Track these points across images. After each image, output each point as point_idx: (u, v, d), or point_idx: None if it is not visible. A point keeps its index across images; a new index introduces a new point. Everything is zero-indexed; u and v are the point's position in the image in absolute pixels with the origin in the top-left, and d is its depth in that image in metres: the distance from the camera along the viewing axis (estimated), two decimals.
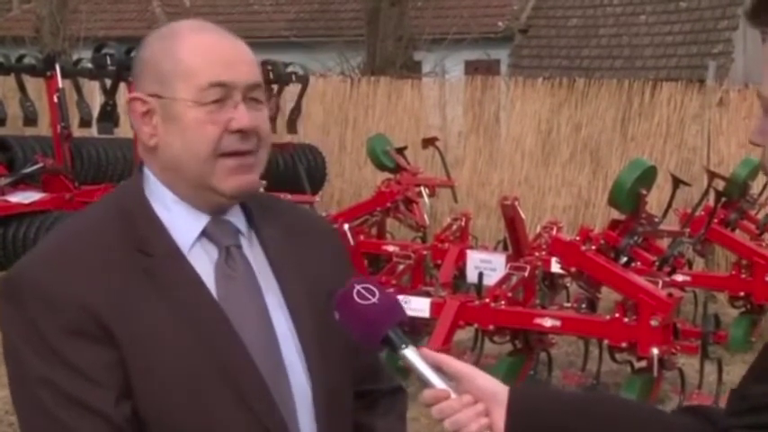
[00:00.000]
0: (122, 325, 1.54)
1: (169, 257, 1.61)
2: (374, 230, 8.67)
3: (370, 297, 1.54)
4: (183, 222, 1.65)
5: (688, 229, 7.16)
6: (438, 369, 1.54)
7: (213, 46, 1.63)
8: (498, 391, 1.55)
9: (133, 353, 1.55)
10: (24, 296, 1.56)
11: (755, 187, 8.35)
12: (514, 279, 6.16)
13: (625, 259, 6.09)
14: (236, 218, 1.70)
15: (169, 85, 1.62)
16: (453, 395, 1.53)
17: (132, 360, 1.55)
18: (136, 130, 1.67)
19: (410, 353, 1.53)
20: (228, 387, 1.58)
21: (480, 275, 6.35)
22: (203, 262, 1.64)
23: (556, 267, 6.57)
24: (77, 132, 9.78)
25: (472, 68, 17.30)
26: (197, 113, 1.60)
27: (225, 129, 1.61)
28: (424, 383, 1.54)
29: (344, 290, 1.56)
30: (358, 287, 1.55)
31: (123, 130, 9.88)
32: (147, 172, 1.68)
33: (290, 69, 10.72)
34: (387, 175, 9.08)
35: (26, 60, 9.62)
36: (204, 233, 1.66)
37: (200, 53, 1.62)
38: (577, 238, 6.16)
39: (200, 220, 1.66)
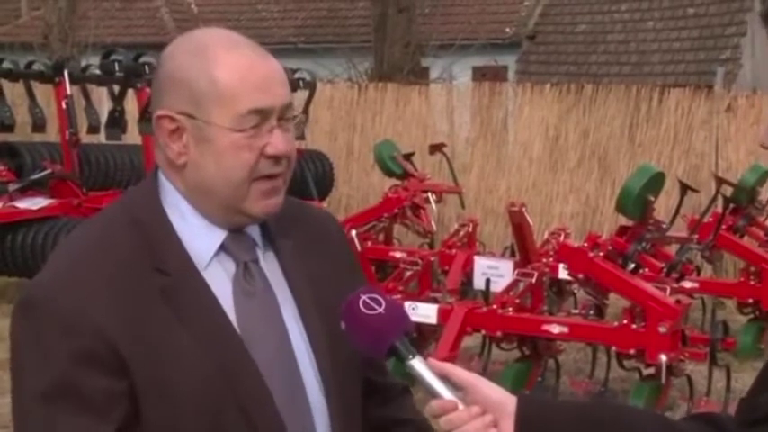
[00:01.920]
0: (137, 350, 1.53)
1: (185, 277, 1.59)
2: (381, 236, 8.67)
3: (376, 307, 1.53)
4: (200, 235, 1.63)
5: (696, 236, 7.14)
6: (445, 379, 1.53)
7: (250, 68, 1.59)
8: (506, 401, 1.54)
9: (147, 379, 1.53)
10: (42, 320, 1.54)
11: (764, 193, 8.33)
12: (522, 285, 6.15)
13: (633, 266, 6.08)
14: (253, 230, 1.68)
15: (204, 107, 1.57)
16: (461, 406, 1.52)
17: (146, 386, 1.53)
18: (162, 147, 1.62)
19: (417, 363, 1.53)
20: (243, 416, 1.57)
21: (488, 282, 6.35)
22: (221, 278, 1.62)
23: (563, 274, 6.56)
24: (85, 138, 9.80)
25: (480, 74, 17.30)
26: (234, 139, 1.57)
27: (261, 154, 1.59)
28: (431, 394, 1.53)
29: (350, 299, 1.55)
30: (364, 297, 1.54)
31: (131, 137, 9.90)
32: (164, 181, 1.65)
33: (297, 75, 10.73)
34: (394, 181, 9.08)
35: (35, 67, 9.65)
36: (222, 247, 1.64)
37: (237, 76, 1.57)
38: (585, 245, 6.15)
39: (219, 234, 1.64)
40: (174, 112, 1.59)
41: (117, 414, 1.52)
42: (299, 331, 1.66)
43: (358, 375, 1.72)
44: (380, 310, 1.53)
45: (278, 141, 1.60)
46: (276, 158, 1.61)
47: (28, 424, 1.56)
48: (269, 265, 1.68)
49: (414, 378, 1.54)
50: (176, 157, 1.61)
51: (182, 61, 1.60)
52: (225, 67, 1.58)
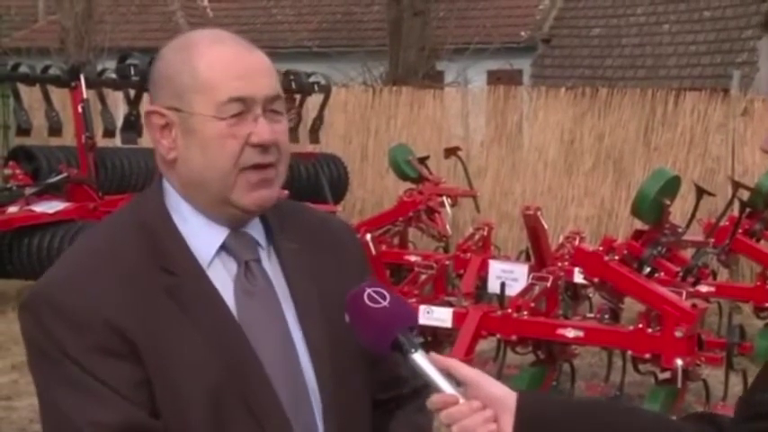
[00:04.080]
0: (147, 343, 1.55)
1: (191, 276, 1.60)
2: (396, 240, 8.67)
3: (381, 300, 1.54)
4: (202, 236, 1.64)
5: (712, 240, 7.11)
6: (447, 374, 1.54)
7: (232, 59, 1.62)
8: (506, 396, 1.54)
9: (156, 371, 1.55)
10: (50, 320, 1.56)
11: None
12: (537, 289, 6.13)
13: (648, 270, 6.05)
14: (255, 230, 1.69)
15: (188, 98, 1.61)
16: (462, 400, 1.52)
17: (155, 378, 1.55)
18: (154, 144, 1.66)
19: (419, 357, 1.53)
20: (247, 412, 1.58)
21: (502, 285, 6.33)
22: (223, 277, 1.64)
23: (579, 278, 6.53)
24: (101, 142, 9.84)
25: (495, 78, 17.29)
26: (217, 128, 1.59)
27: (245, 142, 1.60)
28: (433, 388, 1.54)
29: (355, 292, 1.55)
30: (369, 290, 1.55)
31: (147, 140, 9.92)
32: (166, 184, 1.68)
33: (312, 79, 10.77)
34: (409, 184, 9.09)
35: (51, 71, 9.69)
36: (224, 247, 1.65)
37: (218, 67, 1.60)
38: (600, 249, 6.13)
39: (220, 233, 1.66)
40: (162, 107, 1.63)
41: (145, 400, 1.54)
42: (298, 330, 1.67)
43: (362, 375, 1.72)
44: (385, 303, 1.54)
45: (262, 130, 1.60)
46: (263, 147, 1.61)
47: (58, 422, 1.56)
48: (272, 264, 1.69)
49: (416, 372, 1.54)
50: (167, 153, 1.64)
51: (169, 59, 1.65)
52: (206, 59, 1.61)
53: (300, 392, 1.64)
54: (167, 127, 1.63)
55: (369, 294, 1.54)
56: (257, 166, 1.61)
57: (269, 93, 1.63)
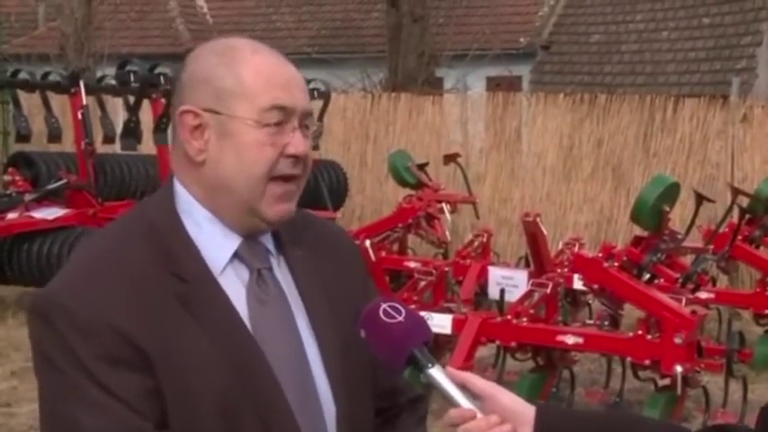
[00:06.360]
0: (157, 351, 1.54)
1: (203, 283, 1.60)
2: (396, 247, 8.67)
3: (396, 315, 1.54)
4: (215, 242, 1.64)
5: (712, 246, 7.11)
6: (463, 388, 1.53)
7: (275, 69, 1.64)
8: (524, 411, 1.54)
9: (167, 379, 1.54)
10: (63, 326, 1.55)
11: None
12: (536, 296, 6.13)
13: (648, 276, 6.05)
14: (266, 238, 1.70)
15: (229, 102, 1.61)
16: (479, 415, 1.52)
17: (166, 387, 1.54)
18: (182, 144, 1.64)
19: (436, 372, 1.53)
20: (257, 419, 1.58)
21: (502, 292, 6.33)
22: (235, 284, 1.64)
23: (578, 284, 6.53)
24: (101, 149, 9.85)
25: (494, 84, 17.29)
26: (258, 134, 1.61)
27: (281, 152, 1.62)
28: (450, 403, 1.53)
29: (370, 307, 1.55)
30: (384, 305, 1.55)
31: (146, 147, 9.94)
32: (179, 187, 1.66)
33: (311, 85, 10.76)
34: (408, 191, 9.09)
35: (51, 77, 9.71)
36: (236, 254, 1.65)
37: (263, 75, 1.62)
38: (600, 255, 6.13)
39: (233, 241, 1.66)
40: (197, 108, 1.62)
41: (152, 412, 1.53)
42: (312, 338, 1.67)
43: (369, 382, 1.73)
44: (400, 318, 1.54)
45: (299, 142, 1.63)
46: (296, 159, 1.63)
47: (58, 427, 1.55)
48: (283, 273, 1.70)
49: (432, 387, 1.54)
50: (196, 154, 1.63)
51: (208, 61, 1.65)
52: (250, 67, 1.62)
53: (311, 400, 1.64)
54: (200, 128, 1.63)
55: (384, 309, 1.54)
56: (284, 178, 1.63)
57: (306, 107, 1.66)
